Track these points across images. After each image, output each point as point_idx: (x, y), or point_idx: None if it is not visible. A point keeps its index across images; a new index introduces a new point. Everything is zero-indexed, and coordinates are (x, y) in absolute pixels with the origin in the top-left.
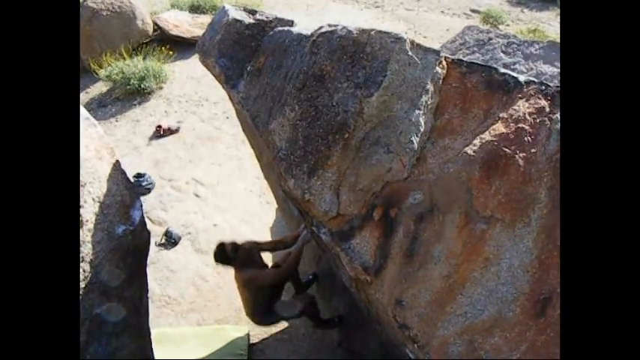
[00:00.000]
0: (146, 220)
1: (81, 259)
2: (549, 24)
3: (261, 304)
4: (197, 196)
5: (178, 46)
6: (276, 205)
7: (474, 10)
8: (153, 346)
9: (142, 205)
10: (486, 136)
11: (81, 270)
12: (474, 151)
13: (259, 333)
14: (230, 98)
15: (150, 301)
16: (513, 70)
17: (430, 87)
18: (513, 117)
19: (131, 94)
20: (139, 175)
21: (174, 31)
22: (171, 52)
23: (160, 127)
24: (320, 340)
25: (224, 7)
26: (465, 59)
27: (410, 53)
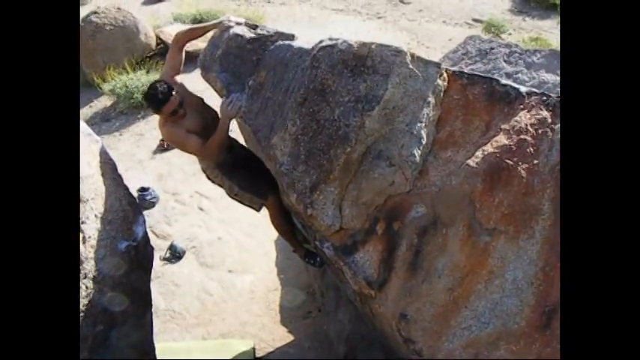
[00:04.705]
0: (150, 234)
1: (83, 276)
2: (551, 32)
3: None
4: (201, 209)
5: None
6: None
7: (475, 20)
8: None
9: (144, 221)
10: (488, 147)
11: (83, 287)
12: (477, 163)
13: (265, 347)
14: None
15: (154, 315)
16: (516, 79)
17: (431, 99)
18: (515, 128)
19: (135, 107)
20: (143, 189)
21: None
22: None
23: (163, 140)
24: (325, 354)
25: None
26: (466, 70)
27: (411, 66)
